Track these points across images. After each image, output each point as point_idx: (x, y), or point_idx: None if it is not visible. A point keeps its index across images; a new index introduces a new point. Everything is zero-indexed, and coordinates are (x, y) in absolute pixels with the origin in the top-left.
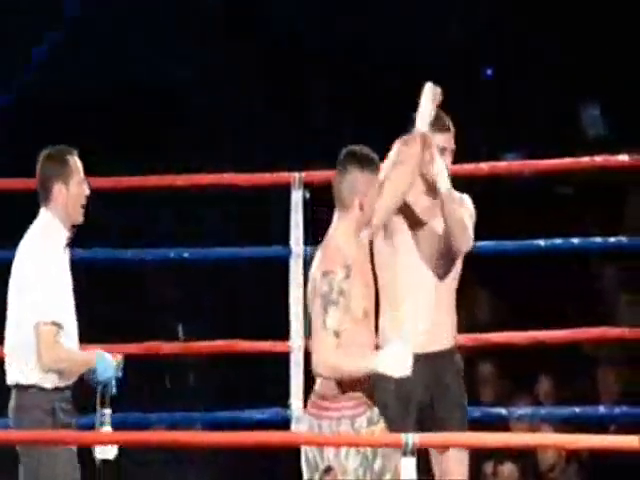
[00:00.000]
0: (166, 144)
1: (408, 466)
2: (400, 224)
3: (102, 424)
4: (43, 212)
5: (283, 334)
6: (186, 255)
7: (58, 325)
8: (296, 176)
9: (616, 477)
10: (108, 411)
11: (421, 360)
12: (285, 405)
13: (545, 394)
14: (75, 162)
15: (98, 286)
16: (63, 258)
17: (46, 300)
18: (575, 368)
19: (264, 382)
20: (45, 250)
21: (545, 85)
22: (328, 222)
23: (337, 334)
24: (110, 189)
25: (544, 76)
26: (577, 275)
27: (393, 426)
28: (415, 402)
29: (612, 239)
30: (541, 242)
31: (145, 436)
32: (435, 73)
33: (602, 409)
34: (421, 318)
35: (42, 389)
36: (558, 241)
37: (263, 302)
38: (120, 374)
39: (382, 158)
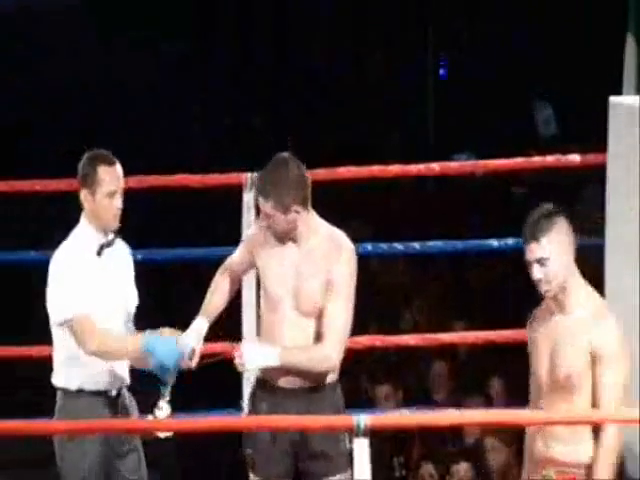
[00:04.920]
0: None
1: (361, 447)
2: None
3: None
4: (82, 216)
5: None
6: (139, 257)
7: (89, 316)
8: (248, 177)
9: None
10: (163, 404)
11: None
12: (238, 407)
13: (497, 394)
14: (106, 173)
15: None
16: (94, 261)
17: (66, 299)
18: (527, 368)
19: (216, 383)
20: (67, 254)
21: (498, 85)
22: None
23: None
24: (54, 191)
25: (497, 76)
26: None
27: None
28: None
29: None
30: (494, 242)
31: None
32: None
33: None
34: None
35: (67, 392)
36: (510, 241)
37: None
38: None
39: None
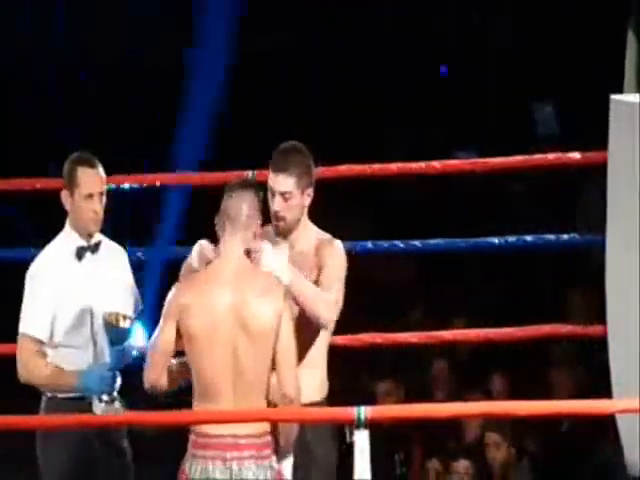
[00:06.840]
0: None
1: (361, 438)
2: None
3: None
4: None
5: None
6: (139, 254)
7: (36, 340)
8: (249, 174)
9: (567, 471)
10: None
11: None
12: None
13: (498, 392)
14: (85, 175)
15: None
16: (72, 266)
17: (27, 312)
18: (528, 366)
19: None
20: (40, 261)
21: (498, 83)
22: None
23: None
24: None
25: (497, 74)
26: (528, 272)
27: None
28: None
29: (565, 236)
30: (494, 240)
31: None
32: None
33: None
34: None
35: (44, 394)
36: (511, 239)
37: None
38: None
39: None
